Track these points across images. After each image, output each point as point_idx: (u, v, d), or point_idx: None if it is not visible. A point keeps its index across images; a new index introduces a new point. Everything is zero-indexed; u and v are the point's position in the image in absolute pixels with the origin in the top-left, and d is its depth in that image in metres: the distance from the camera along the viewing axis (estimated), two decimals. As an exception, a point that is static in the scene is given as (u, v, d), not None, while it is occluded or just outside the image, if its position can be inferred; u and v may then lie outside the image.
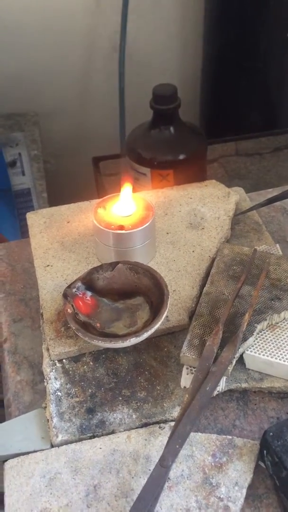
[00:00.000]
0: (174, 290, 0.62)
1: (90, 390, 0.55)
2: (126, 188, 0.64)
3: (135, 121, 1.18)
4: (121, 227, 0.62)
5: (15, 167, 1.27)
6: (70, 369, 0.57)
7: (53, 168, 1.52)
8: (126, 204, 0.64)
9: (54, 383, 0.56)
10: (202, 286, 0.63)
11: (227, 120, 1.43)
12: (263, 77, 1.36)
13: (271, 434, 0.49)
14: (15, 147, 1.31)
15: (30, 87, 1.40)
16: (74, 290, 0.58)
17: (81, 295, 0.58)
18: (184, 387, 0.55)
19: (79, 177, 1.47)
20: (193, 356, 0.54)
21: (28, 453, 0.51)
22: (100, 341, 0.54)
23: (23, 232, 1.10)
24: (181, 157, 1.09)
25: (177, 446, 0.47)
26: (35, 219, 0.72)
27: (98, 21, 1.35)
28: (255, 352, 0.55)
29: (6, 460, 0.51)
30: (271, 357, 0.55)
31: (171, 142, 1.10)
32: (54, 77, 1.41)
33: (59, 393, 0.55)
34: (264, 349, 0.55)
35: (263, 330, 0.57)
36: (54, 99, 1.43)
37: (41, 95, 1.41)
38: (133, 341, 0.54)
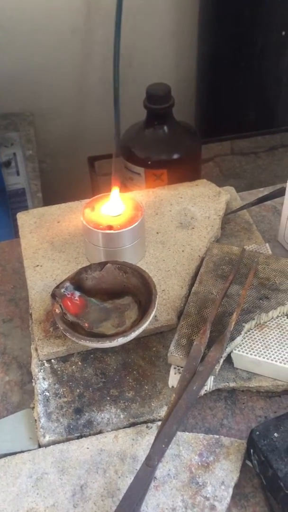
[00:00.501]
0: (163, 290, 0.62)
1: (78, 390, 0.55)
2: (114, 190, 0.64)
3: (130, 120, 1.18)
4: (110, 227, 0.62)
5: (9, 167, 1.27)
6: (59, 369, 0.57)
7: (48, 167, 1.52)
8: (115, 204, 0.64)
9: (42, 383, 0.56)
10: (191, 286, 0.63)
11: (222, 119, 1.43)
12: (259, 76, 1.36)
13: (257, 433, 0.49)
14: (10, 147, 1.31)
15: (25, 87, 1.40)
16: (62, 290, 0.58)
17: (69, 295, 0.59)
18: (172, 386, 0.55)
19: (75, 177, 1.47)
20: (181, 356, 0.54)
21: (15, 453, 0.51)
22: (87, 341, 0.54)
23: (17, 232, 1.10)
24: (175, 156, 1.09)
25: (163, 446, 0.47)
26: (26, 219, 0.72)
27: (93, 21, 1.35)
28: (243, 351, 0.55)
29: (-7, 460, 0.51)
30: (259, 356, 0.55)
31: (165, 141, 1.11)
32: (49, 77, 1.41)
33: (47, 393, 0.55)
34: (252, 348, 0.55)
35: (251, 329, 0.57)
36: (50, 99, 1.43)
37: (37, 95, 1.41)
38: (120, 341, 0.54)
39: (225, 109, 1.41)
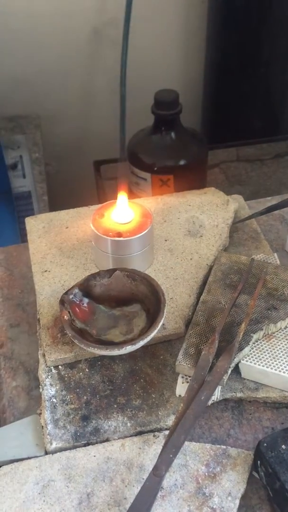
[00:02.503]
0: (171, 298, 0.62)
1: (85, 397, 0.55)
2: (121, 195, 0.64)
3: (136, 125, 1.18)
4: (119, 234, 0.62)
5: (16, 169, 1.27)
6: (66, 375, 0.57)
7: (54, 170, 1.52)
8: (124, 211, 0.64)
9: (49, 389, 0.56)
10: (199, 294, 0.63)
11: (228, 126, 1.43)
12: (266, 83, 1.36)
13: (265, 444, 0.49)
14: (16, 149, 1.31)
15: (32, 90, 1.40)
16: (71, 296, 0.58)
17: (78, 302, 0.59)
18: (179, 395, 0.55)
19: (80, 181, 1.48)
20: (189, 365, 0.54)
21: (22, 459, 0.51)
22: (96, 349, 0.54)
23: (22, 235, 1.10)
24: (182, 162, 1.09)
25: (171, 456, 0.47)
26: (34, 224, 0.72)
27: (101, 25, 1.35)
28: (250, 362, 0.55)
29: (0, 467, 0.51)
30: (267, 367, 0.55)
31: (171, 147, 1.11)
32: (56, 80, 1.41)
33: (54, 400, 0.55)
34: (260, 359, 0.55)
35: (259, 340, 0.57)
36: (57, 102, 1.44)
37: (44, 98, 1.42)
38: (129, 349, 0.54)
39: (232, 116, 1.42)
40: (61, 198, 1.34)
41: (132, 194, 1.18)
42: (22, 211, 1.21)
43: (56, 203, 1.28)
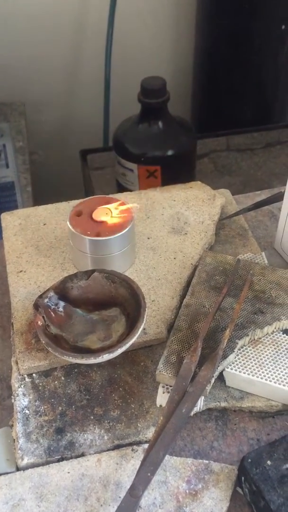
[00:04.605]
0: (153, 300, 0.59)
1: (60, 408, 0.52)
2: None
3: (123, 114, 1.14)
4: (98, 234, 0.58)
5: (-2, 159, 1.23)
6: (40, 384, 0.54)
7: (40, 159, 1.48)
8: (103, 208, 0.60)
9: (22, 399, 0.53)
10: (183, 296, 0.60)
11: (218, 114, 1.39)
12: (257, 71, 1.32)
13: (249, 460, 0.46)
14: (-1, 138, 1.27)
15: (17, 76, 1.36)
16: (46, 300, 0.55)
17: (53, 306, 0.55)
18: (160, 405, 0.52)
19: (66, 170, 1.44)
20: (170, 375, 0.51)
21: (-9, 476, 0.48)
22: (71, 357, 0.51)
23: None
24: (170, 153, 1.06)
25: (149, 474, 0.44)
26: (10, 221, 0.68)
27: (86, 11, 1.30)
28: (235, 370, 0.52)
29: None
30: (253, 375, 0.52)
31: (159, 137, 1.07)
32: (42, 66, 1.37)
33: (27, 411, 0.52)
34: (246, 367, 0.52)
35: (245, 346, 0.54)
36: (42, 89, 1.39)
37: (29, 84, 1.37)
38: (106, 357, 0.51)
39: (222, 104, 1.38)
40: (45, 189, 1.31)
41: (118, 186, 1.15)
42: (5, 203, 1.17)
43: (41, 194, 1.25)
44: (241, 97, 1.35)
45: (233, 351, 0.52)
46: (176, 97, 1.14)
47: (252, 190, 0.77)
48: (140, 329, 0.52)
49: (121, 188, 1.14)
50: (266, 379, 0.51)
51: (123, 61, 1.35)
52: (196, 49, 1.36)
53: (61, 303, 0.56)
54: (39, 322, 0.53)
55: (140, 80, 1.07)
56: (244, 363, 0.53)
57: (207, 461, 0.49)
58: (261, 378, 0.51)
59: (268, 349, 0.54)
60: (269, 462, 0.46)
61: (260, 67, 1.31)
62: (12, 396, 0.53)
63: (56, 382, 0.54)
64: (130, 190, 1.07)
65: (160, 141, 1.07)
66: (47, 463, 0.49)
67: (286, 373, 0.51)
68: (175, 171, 1.06)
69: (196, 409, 0.51)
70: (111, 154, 1.19)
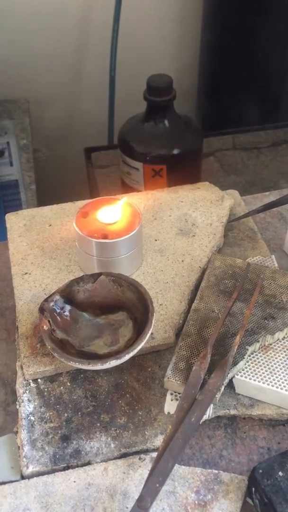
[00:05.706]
0: (160, 304, 0.58)
1: (66, 415, 0.51)
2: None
3: (127, 111, 1.13)
4: (105, 236, 0.57)
5: (2, 157, 1.21)
6: (45, 390, 0.53)
7: (44, 157, 1.46)
8: (111, 210, 0.59)
9: (27, 405, 0.51)
10: (191, 300, 0.58)
11: (224, 112, 1.37)
12: (264, 68, 1.30)
13: (260, 471, 0.45)
14: (3, 135, 1.26)
15: (21, 73, 1.34)
16: (51, 304, 0.54)
17: (59, 310, 0.54)
18: (168, 413, 0.51)
19: (70, 168, 1.42)
20: (178, 382, 0.50)
21: (-4, 484, 0.47)
22: (77, 363, 0.50)
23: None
24: (175, 151, 1.05)
25: (157, 485, 0.43)
26: (15, 221, 0.67)
27: (91, 6, 1.29)
28: (245, 377, 0.51)
29: (-29, 492, 0.47)
30: (263, 383, 0.50)
31: (165, 136, 1.06)
32: (46, 63, 1.35)
33: (32, 418, 0.51)
34: (256, 374, 0.51)
35: (255, 352, 0.53)
36: (46, 86, 1.38)
37: (33, 81, 1.36)
38: (113, 363, 0.50)
39: (228, 102, 1.36)
40: (50, 188, 1.29)
41: (123, 184, 1.13)
42: (9, 201, 1.16)
43: (45, 193, 1.23)
44: (248, 95, 1.33)
45: (243, 358, 0.51)
46: (181, 95, 1.12)
47: (259, 189, 0.76)
48: (148, 335, 0.51)
49: (126, 187, 1.12)
50: (277, 387, 0.50)
51: (128, 58, 1.33)
52: (202, 46, 1.35)
53: (67, 307, 0.55)
54: (44, 326, 0.52)
55: (145, 77, 1.05)
56: (254, 370, 0.51)
57: (216, 471, 0.48)
58: (272, 386, 0.50)
59: (279, 356, 0.52)
60: (280, 473, 0.45)
61: (266, 64, 1.29)
62: (17, 402, 0.52)
63: (61, 387, 0.53)
64: (135, 189, 1.06)
65: (166, 140, 1.05)
66: (53, 471, 0.48)
67: (297, 380, 0.50)
68: (181, 170, 1.05)
69: (205, 416, 0.50)
70: (115, 152, 1.18)
